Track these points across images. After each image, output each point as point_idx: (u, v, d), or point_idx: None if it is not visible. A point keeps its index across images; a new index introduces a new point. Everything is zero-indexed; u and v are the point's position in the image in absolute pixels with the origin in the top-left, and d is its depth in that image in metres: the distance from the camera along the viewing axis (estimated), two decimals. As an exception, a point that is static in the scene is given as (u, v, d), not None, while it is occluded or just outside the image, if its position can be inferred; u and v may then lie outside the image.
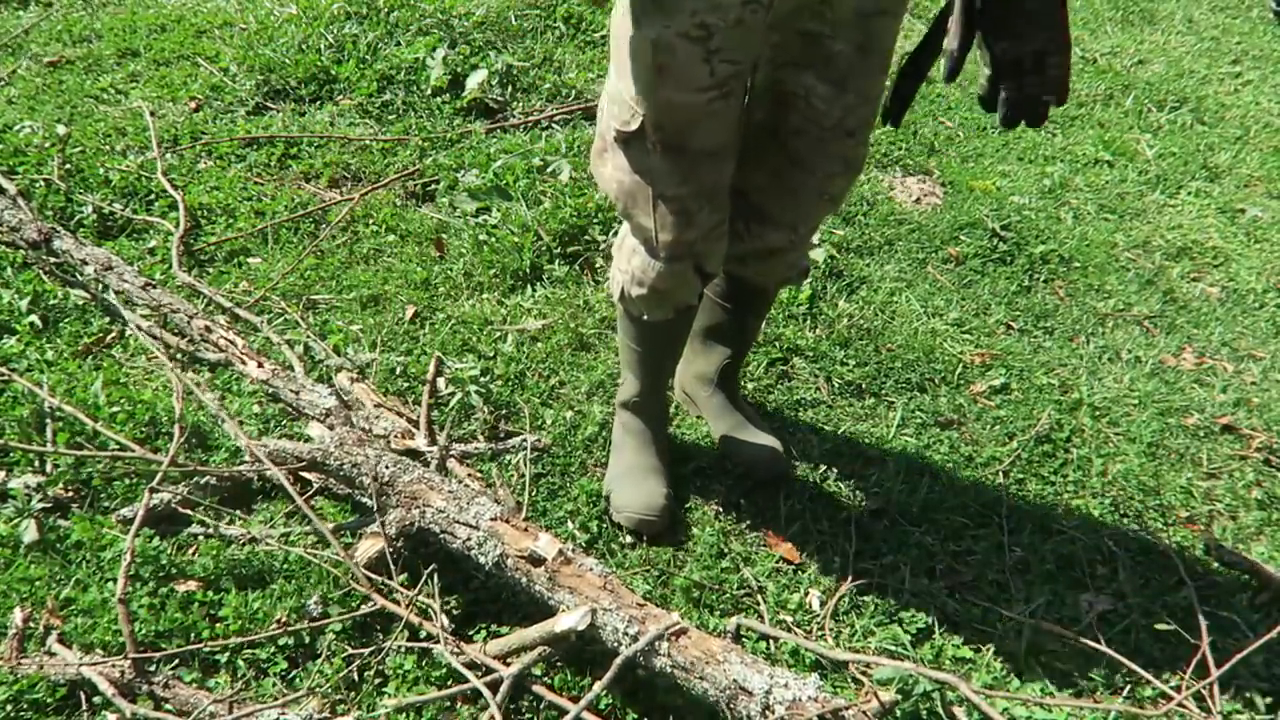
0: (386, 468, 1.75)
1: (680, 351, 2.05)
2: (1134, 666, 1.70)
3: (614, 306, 1.96)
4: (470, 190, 2.80)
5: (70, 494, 1.87)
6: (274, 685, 1.60)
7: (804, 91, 1.58)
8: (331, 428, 1.90)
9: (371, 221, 2.72)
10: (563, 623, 1.51)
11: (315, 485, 1.93)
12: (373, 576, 1.68)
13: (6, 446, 1.91)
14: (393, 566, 1.67)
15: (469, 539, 1.65)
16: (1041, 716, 1.63)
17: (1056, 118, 3.59)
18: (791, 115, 1.61)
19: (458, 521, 1.67)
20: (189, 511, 1.84)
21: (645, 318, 1.82)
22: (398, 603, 1.65)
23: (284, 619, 1.67)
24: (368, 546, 1.72)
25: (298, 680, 1.60)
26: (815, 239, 1.93)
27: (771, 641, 1.72)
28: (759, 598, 1.82)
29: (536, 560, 1.60)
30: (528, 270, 2.54)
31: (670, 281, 1.72)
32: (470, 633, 1.69)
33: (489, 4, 3.65)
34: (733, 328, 2.04)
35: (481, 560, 1.64)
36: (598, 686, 1.45)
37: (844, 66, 1.55)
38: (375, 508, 1.73)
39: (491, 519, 1.66)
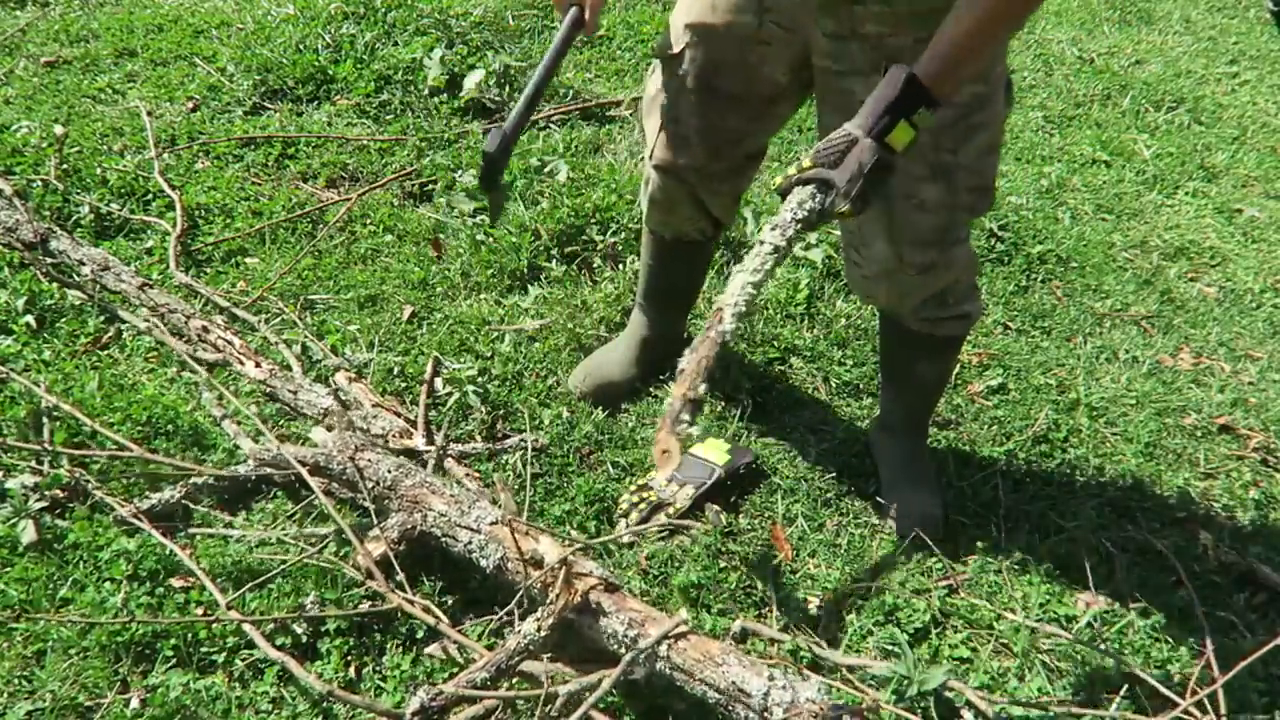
0: (389, 472, 1.75)
1: (680, 291, 2.21)
2: (1134, 667, 1.70)
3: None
4: (468, 190, 2.80)
5: (67, 494, 1.87)
6: (272, 685, 1.60)
7: None
8: (330, 428, 1.90)
9: (369, 221, 2.71)
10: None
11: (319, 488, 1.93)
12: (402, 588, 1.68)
13: (4, 446, 1.91)
14: (396, 567, 1.67)
15: (470, 542, 1.66)
16: (1039, 717, 1.63)
17: (1054, 118, 3.60)
18: None
19: (459, 525, 1.67)
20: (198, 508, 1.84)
21: (648, 225, 2.04)
22: (412, 602, 1.64)
23: (281, 619, 1.67)
24: (370, 549, 1.72)
25: (295, 680, 1.60)
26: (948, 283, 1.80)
27: (776, 645, 1.72)
28: (767, 598, 1.82)
29: (538, 563, 1.60)
30: (525, 270, 2.54)
31: (661, 194, 1.91)
32: (474, 632, 1.69)
33: (486, 4, 3.65)
34: (902, 374, 2.00)
35: (483, 563, 1.64)
36: (606, 683, 1.45)
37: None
38: (375, 511, 1.72)
39: (492, 523, 1.66)
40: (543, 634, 1.50)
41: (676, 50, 1.73)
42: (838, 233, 2.78)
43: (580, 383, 2.20)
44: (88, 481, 1.84)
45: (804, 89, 1.73)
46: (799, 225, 1.38)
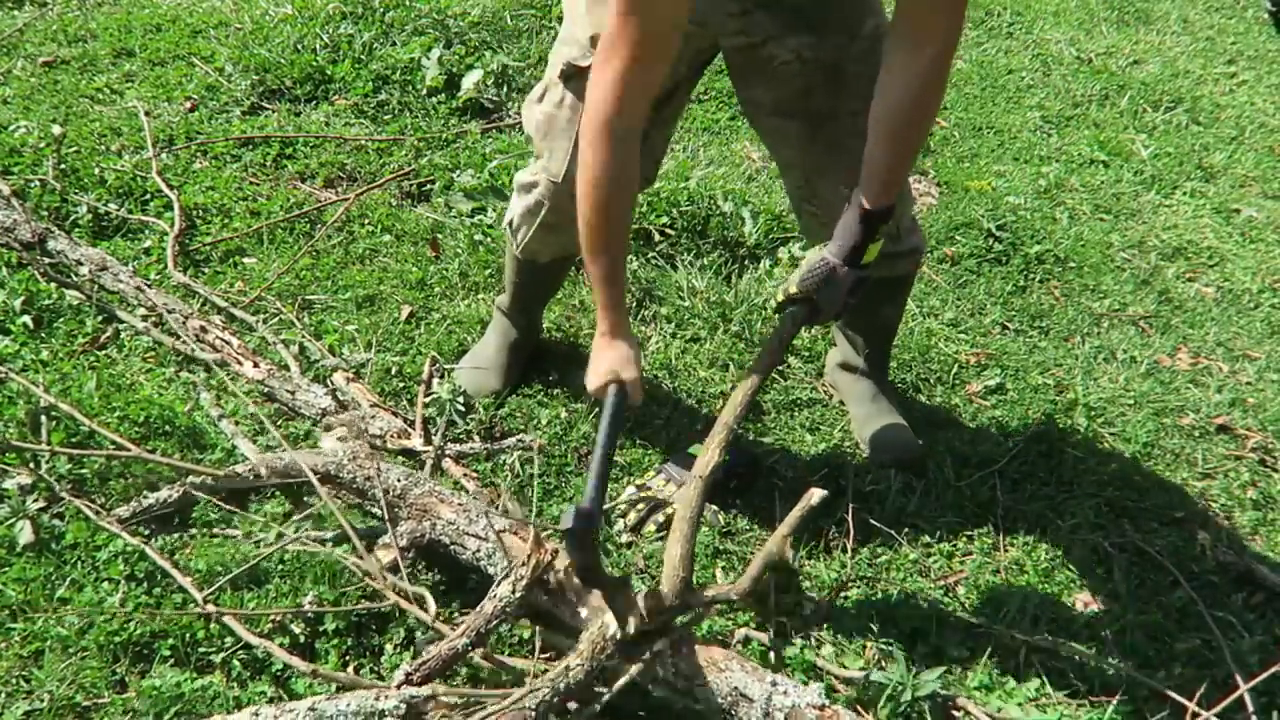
0: (398, 481, 1.76)
1: (551, 295, 2.24)
2: (1131, 670, 1.70)
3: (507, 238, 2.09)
4: (465, 190, 2.80)
5: (50, 499, 1.85)
6: (270, 685, 1.59)
7: (793, 55, 1.69)
8: (339, 435, 1.89)
9: (367, 222, 2.71)
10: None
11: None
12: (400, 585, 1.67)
13: (2, 445, 1.90)
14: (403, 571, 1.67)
15: (478, 550, 1.66)
16: (1037, 717, 1.63)
17: (1052, 118, 3.60)
18: (794, 80, 1.72)
19: (467, 533, 1.68)
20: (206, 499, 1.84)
21: (526, 254, 2.02)
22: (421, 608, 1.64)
23: (279, 618, 1.66)
24: (380, 557, 1.72)
25: (293, 680, 1.60)
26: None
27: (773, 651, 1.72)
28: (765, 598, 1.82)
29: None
30: (524, 270, 2.54)
31: (556, 215, 1.86)
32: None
33: (484, 4, 3.65)
34: (866, 321, 2.13)
35: (490, 571, 1.65)
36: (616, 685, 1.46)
37: (810, 13, 1.65)
38: (387, 519, 1.73)
39: (500, 531, 1.66)
40: (518, 595, 1.51)
41: (585, 64, 1.66)
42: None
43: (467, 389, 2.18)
44: (62, 485, 1.84)
45: (695, 76, 1.84)
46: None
